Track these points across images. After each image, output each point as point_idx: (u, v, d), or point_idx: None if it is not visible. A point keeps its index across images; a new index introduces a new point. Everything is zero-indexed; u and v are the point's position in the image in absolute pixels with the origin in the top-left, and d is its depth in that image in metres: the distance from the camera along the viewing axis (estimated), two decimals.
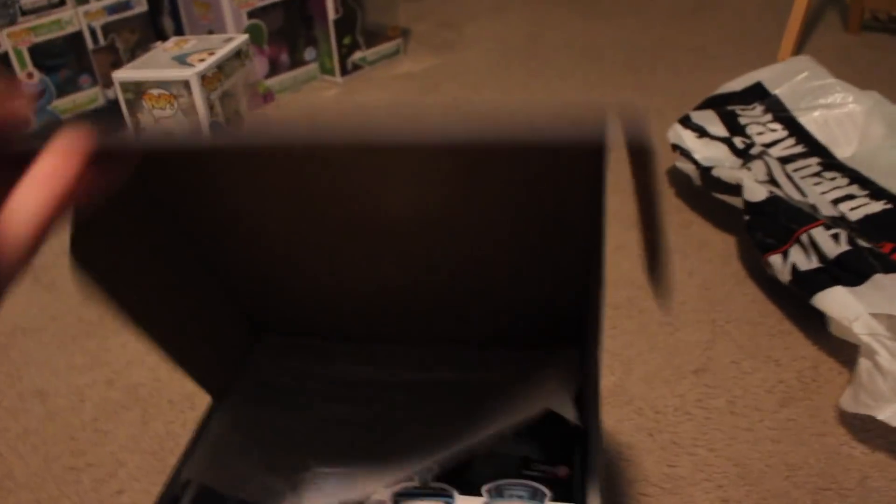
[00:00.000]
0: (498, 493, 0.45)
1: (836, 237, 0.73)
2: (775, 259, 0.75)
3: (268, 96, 1.41)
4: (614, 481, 0.60)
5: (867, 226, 0.82)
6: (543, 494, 0.44)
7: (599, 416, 0.48)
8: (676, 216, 0.94)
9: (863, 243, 0.73)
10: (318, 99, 1.47)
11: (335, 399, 0.53)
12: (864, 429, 0.64)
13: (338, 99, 1.47)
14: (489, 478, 0.46)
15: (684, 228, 0.91)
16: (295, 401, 0.53)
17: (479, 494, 0.45)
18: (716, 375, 0.70)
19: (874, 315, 0.65)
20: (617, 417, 0.66)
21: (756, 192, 0.80)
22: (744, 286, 0.81)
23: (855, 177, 0.90)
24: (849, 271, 0.70)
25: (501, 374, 0.52)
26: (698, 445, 0.63)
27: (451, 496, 0.45)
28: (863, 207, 0.85)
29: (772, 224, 0.77)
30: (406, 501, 0.45)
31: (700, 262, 0.85)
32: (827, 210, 0.83)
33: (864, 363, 0.64)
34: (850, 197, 0.86)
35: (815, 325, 0.73)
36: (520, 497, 0.44)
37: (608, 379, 0.70)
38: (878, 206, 0.85)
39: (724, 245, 0.88)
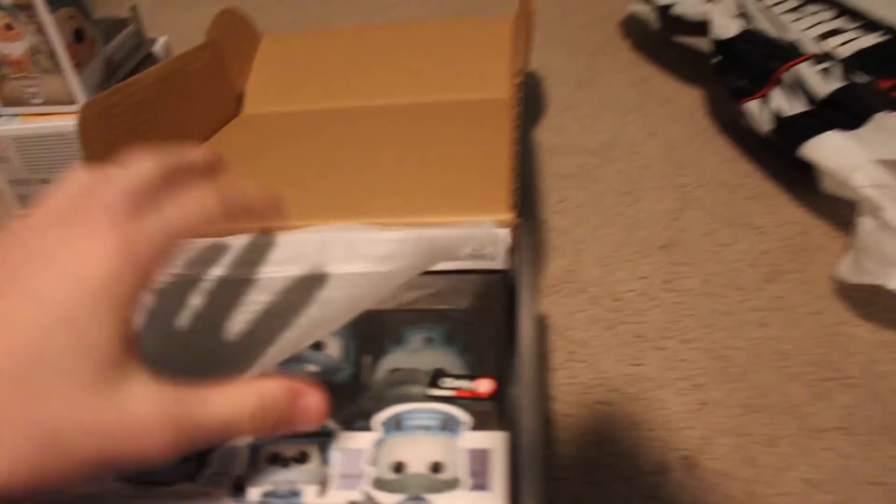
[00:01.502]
0: (395, 425, 0.32)
1: (826, 72, 0.59)
2: (752, 106, 0.62)
3: None
4: (563, 389, 0.48)
5: (860, 62, 0.68)
6: (457, 423, 0.31)
7: (530, 305, 0.35)
8: (633, 72, 0.80)
9: (859, 79, 0.59)
10: None
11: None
12: (869, 302, 0.52)
13: None
14: (383, 403, 0.33)
15: (642, 83, 0.77)
16: None
17: (368, 428, 0.32)
18: (687, 250, 0.57)
19: (878, 162, 0.52)
20: (568, 309, 0.53)
21: (726, 27, 0.65)
22: (715, 144, 0.68)
23: (843, 9, 0.76)
24: (844, 112, 0.57)
25: None
26: (668, 337, 0.51)
27: (327, 434, 0.32)
28: (854, 42, 0.70)
29: (746, 64, 0.63)
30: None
31: (662, 120, 0.71)
32: (812, 47, 0.69)
33: (866, 222, 0.52)
34: (839, 31, 0.72)
35: (804, 184, 0.60)
36: (426, 428, 0.31)
37: (556, 263, 0.57)
38: (871, 40, 0.71)
39: (689, 99, 0.74)
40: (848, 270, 0.52)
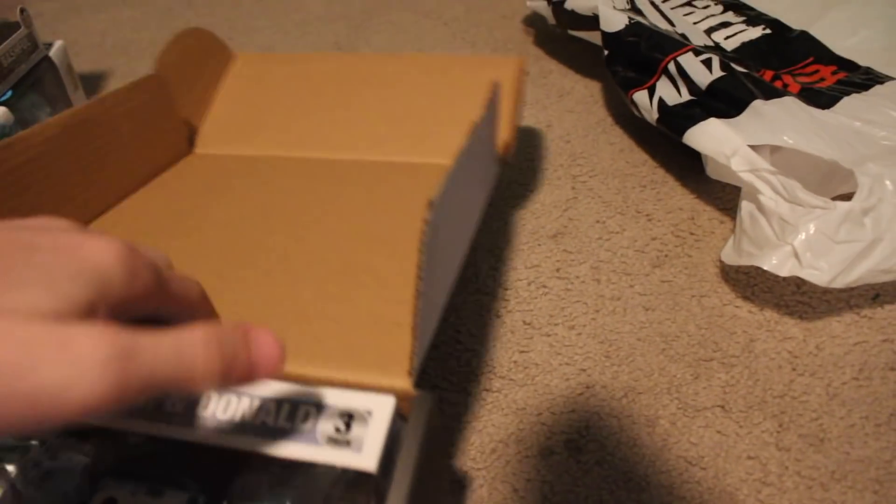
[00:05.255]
0: None
1: (707, 63, 0.61)
2: (640, 96, 0.63)
3: None
4: (450, 379, 0.48)
5: (745, 54, 0.70)
6: None
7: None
8: (534, 66, 0.81)
9: (739, 68, 0.61)
10: None
11: None
12: (751, 283, 0.53)
13: None
14: None
15: (542, 78, 0.78)
16: None
17: None
18: (577, 239, 0.58)
19: (754, 147, 0.54)
20: (458, 300, 0.53)
21: (614, 20, 0.67)
22: (610, 135, 0.69)
23: (729, 3, 0.78)
24: (724, 101, 0.58)
25: None
26: (556, 324, 0.51)
27: None
28: (739, 35, 0.73)
29: (634, 56, 0.65)
30: None
31: (559, 113, 0.72)
32: (699, 40, 0.71)
33: (745, 206, 0.53)
34: (726, 24, 0.74)
35: (693, 172, 0.62)
36: None
37: None
38: (756, 33, 0.73)
39: (587, 92, 0.75)
40: (730, 253, 0.53)
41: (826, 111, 0.58)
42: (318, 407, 0.27)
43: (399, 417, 0.28)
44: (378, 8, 0.98)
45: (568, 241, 0.57)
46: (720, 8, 0.77)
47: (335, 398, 0.28)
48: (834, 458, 0.43)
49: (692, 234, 0.58)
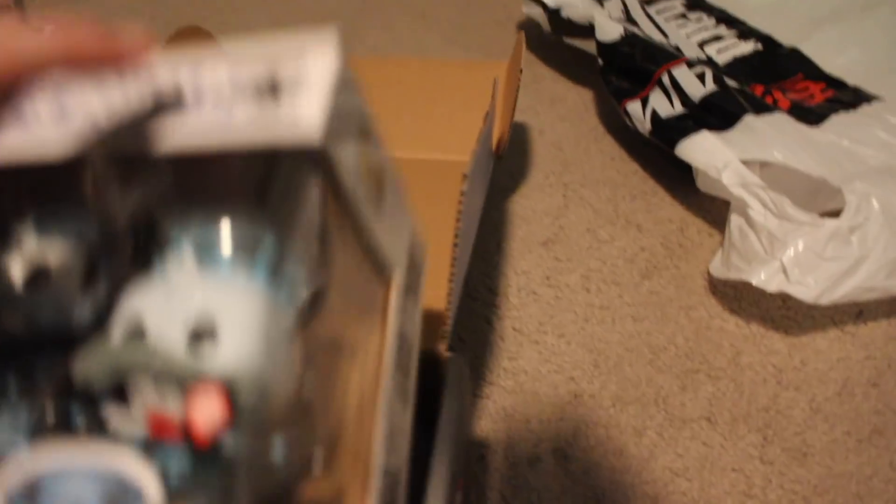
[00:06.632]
0: (31, 499, 0.19)
1: (701, 77, 0.61)
2: (633, 106, 0.63)
3: None
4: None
5: (736, 69, 0.71)
6: (134, 498, 0.18)
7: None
8: (526, 71, 0.81)
9: (731, 83, 0.62)
10: None
11: None
12: (738, 297, 0.54)
13: None
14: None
15: (534, 83, 0.78)
16: None
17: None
18: (568, 247, 0.58)
19: (745, 162, 0.54)
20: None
21: (609, 30, 0.67)
22: (601, 143, 0.69)
23: (722, 16, 0.79)
24: (716, 115, 0.59)
25: None
26: (545, 331, 0.52)
27: None
28: (731, 49, 0.73)
29: (628, 66, 0.65)
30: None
31: (551, 120, 0.73)
32: (692, 52, 0.72)
33: (735, 220, 0.54)
34: (718, 38, 0.75)
35: (683, 183, 0.62)
36: None
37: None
38: (747, 47, 0.74)
39: (579, 100, 0.76)
40: (718, 267, 0.54)
41: (815, 128, 0.59)
42: (231, 79, 0.18)
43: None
44: (372, 8, 0.98)
45: (559, 249, 0.58)
46: (713, 21, 0.78)
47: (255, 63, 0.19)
48: (816, 472, 0.43)
49: (681, 245, 0.58)
